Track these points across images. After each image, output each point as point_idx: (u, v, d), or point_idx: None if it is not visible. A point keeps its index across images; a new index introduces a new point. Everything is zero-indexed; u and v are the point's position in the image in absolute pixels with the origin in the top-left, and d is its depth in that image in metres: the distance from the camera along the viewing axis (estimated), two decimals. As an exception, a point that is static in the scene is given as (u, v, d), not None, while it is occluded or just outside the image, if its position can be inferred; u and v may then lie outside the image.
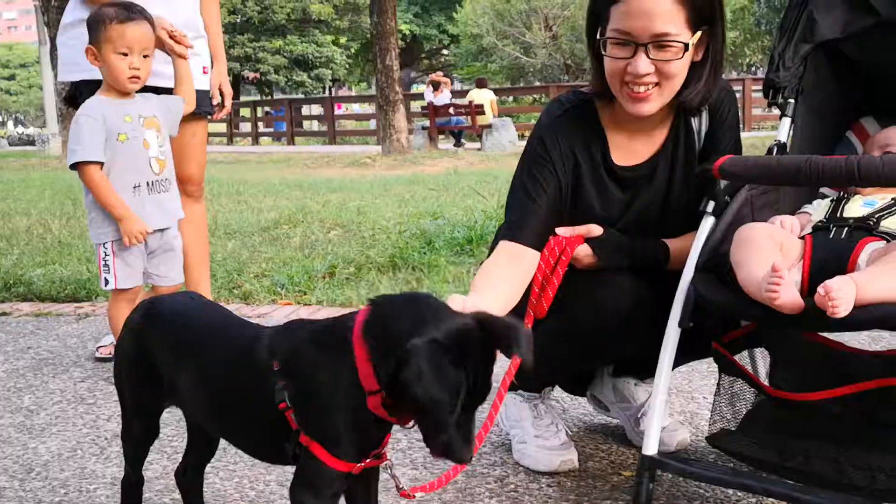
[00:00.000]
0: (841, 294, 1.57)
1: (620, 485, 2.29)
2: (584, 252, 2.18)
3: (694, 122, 2.26)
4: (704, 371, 3.15)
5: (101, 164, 2.97)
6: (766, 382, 1.91)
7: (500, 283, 2.14)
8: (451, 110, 18.88)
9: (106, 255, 3.01)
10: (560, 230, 2.18)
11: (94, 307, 4.47)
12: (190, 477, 2.02)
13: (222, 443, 2.08)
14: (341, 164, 14.57)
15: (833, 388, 1.72)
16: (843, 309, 1.57)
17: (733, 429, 2.00)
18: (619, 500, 2.19)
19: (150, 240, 3.07)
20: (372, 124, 22.48)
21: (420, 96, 21.37)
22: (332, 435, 1.55)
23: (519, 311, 2.13)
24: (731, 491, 2.23)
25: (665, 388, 1.84)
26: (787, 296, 1.63)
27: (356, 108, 31.84)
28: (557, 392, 2.66)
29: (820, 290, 1.59)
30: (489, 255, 2.30)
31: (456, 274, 4.91)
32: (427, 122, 18.98)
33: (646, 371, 2.54)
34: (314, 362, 1.55)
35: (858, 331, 1.98)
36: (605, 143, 2.26)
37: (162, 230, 3.12)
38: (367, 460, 1.61)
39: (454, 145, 19.16)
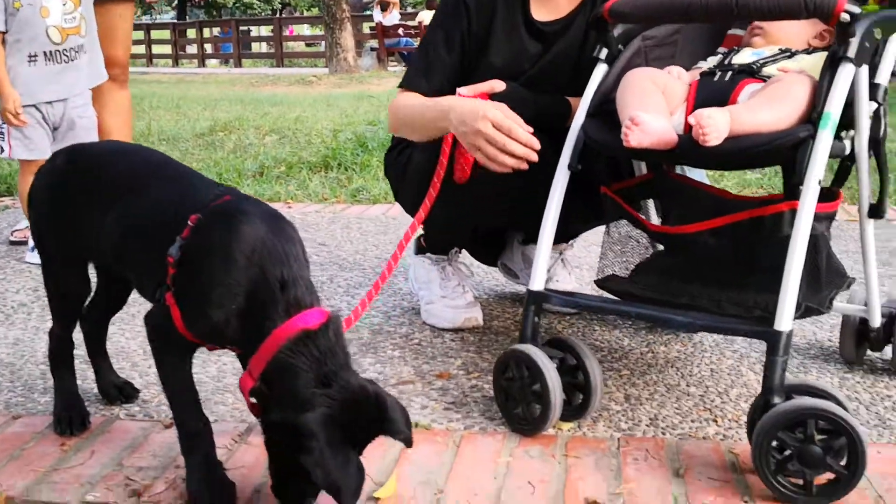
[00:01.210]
0: (711, 122, 1.61)
1: (520, 338, 2.36)
2: None
3: None
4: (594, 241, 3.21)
5: (3, 32, 2.91)
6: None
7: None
8: (401, 31, 18.59)
9: (1, 123, 2.99)
10: (462, 90, 2.17)
11: (14, 200, 4.40)
12: (93, 323, 2.00)
13: (132, 308, 2.08)
14: (287, 82, 14.33)
15: (706, 220, 1.78)
16: (713, 137, 1.61)
17: (624, 275, 2.06)
18: (516, 350, 2.26)
19: (49, 113, 3.03)
20: (322, 46, 22.09)
21: (371, 18, 21.00)
22: (193, 315, 1.51)
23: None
24: (626, 341, 2.32)
25: (552, 227, 1.88)
26: (637, 139, 1.67)
27: (306, 29, 31.20)
28: (466, 259, 2.70)
29: (691, 119, 1.63)
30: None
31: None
32: (376, 44, 18.70)
33: (554, 238, 2.59)
34: (223, 260, 1.46)
35: (736, 167, 2.03)
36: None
37: (54, 102, 3.05)
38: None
39: (405, 63, 18.91)
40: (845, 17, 1.62)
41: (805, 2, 1.62)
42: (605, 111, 1.91)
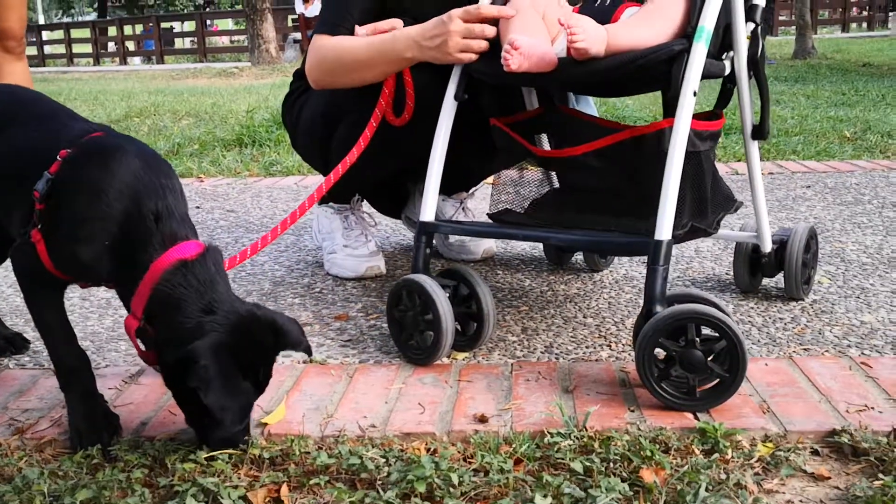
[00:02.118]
0: (581, 25, 1.62)
1: (422, 283, 2.35)
2: None
3: None
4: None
5: None
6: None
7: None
8: (325, 23, 18.44)
9: None
10: (360, 30, 2.13)
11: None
12: None
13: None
14: (208, 75, 14.11)
15: (590, 142, 1.79)
16: (582, 40, 1.62)
17: (520, 211, 2.06)
18: (418, 293, 2.25)
19: None
20: (245, 41, 21.80)
21: (293, 10, 20.77)
22: (61, 253, 1.45)
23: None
24: (527, 282, 2.33)
25: (441, 159, 1.87)
26: (517, 62, 1.67)
27: (231, 24, 30.73)
28: (368, 209, 2.68)
29: (561, 20, 1.64)
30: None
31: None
32: (299, 35, 18.51)
33: (452, 187, 2.59)
34: (93, 193, 1.41)
35: (614, 89, 2.05)
36: None
37: None
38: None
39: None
40: (716, -67, 1.64)
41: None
42: (489, 41, 1.91)
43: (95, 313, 2.18)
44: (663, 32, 1.68)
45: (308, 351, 1.46)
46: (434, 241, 2.60)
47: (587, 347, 1.87)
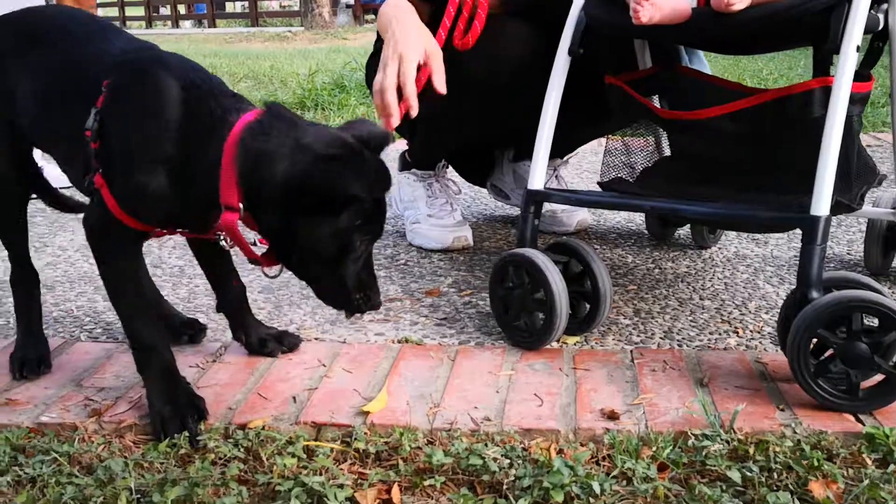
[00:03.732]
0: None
1: (516, 257, 2.18)
2: None
3: None
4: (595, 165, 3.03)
5: None
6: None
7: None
8: (378, -13, 18.21)
9: None
10: None
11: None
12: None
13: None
14: (262, 38, 13.96)
15: (728, 103, 1.59)
16: (739, 3, 1.43)
17: (631, 180, 1.88)
18: (512, 268, 2.08)
19: None
20: (297, 6, 21.67)
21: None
22: (126, 189, 1.32)
23: None
24: (630, 258, 2.14)
25: (552, 117, 1.69)
26: (648, 14, 1.49)
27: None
28: (453, 176, 2.51)
29: None
30: None
31: (366, 113, 4.69)
32: (352, 0, 18.29)
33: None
34: (160, 118, 1.28)
35: (756, 46, 1.85)
36: None
37: None
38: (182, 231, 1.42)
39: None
40: None
41: None
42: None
43: (169, 282, 2.05)
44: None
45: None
46: (500, 187, 2.45)
47: (711, 334, 1.68)
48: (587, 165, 3.16)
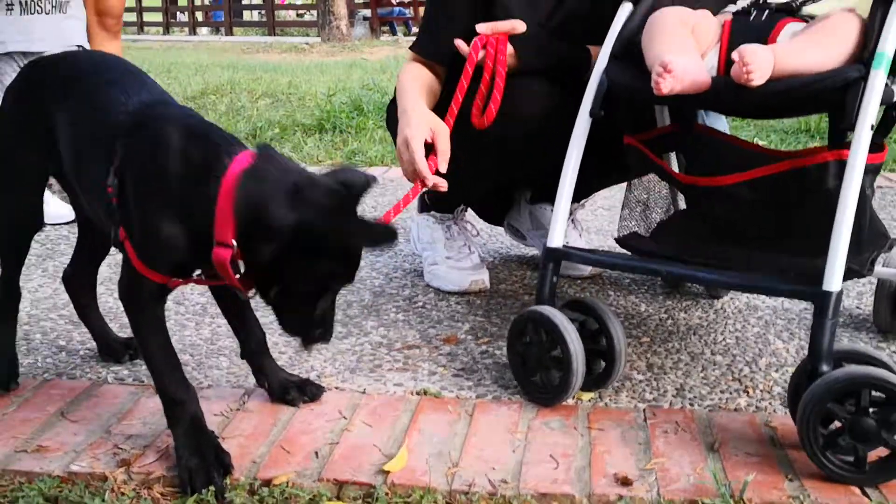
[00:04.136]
0: (756, 58, 1.47)
1: (531, 303, 2.22)
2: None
3: None
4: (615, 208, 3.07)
5: None
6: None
7: (421, 79, 2.07)
8: (394, 0, 18.31)
9: None
10: (480, 27, 1.99)
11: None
12: (79, 278, 1.86)
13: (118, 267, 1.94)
14: (279, 50, 14.06)
15: (744, 171, 1.64)
16: (758, 75, 1.47)
17: (645, 234, 1.92)
18: (528, 316, 2.12)
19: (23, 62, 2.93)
20: (313, 16, 21.78)
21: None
22: (142, 242, 1.39)
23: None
24: (643, 307, 2.18)
25: (573, 176, 1.73)
26: (669, 86, 1.53)
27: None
28: (472, 218, 2.56)
29: (734, 55, 1.49)
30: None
31: (384, 136, 4.75)
32: (368, 12, 18.40)
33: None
34: (163, 169, 1.36)
35: (773, 114, 1.89)
36: None
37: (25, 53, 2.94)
38: (198, 278, 1.49)
39: (392, 33, 18.63)
40: (902, -52, 1.47)
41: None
42: (630, 54, 1.76)
43: (192, 321, 2.10)
44: (836, 56, 1.51)
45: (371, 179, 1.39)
46: (517, 227, 2.50)
47: (722, 392, 1.72)
48: (601, 202, 3.19)
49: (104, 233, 1.64)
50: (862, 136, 1.45)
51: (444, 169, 1.82)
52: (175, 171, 1.35)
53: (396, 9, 18.39)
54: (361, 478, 1.40)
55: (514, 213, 2.53)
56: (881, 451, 1.37)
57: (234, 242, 1.32)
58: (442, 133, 1.85)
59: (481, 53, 1.94)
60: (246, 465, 1.44)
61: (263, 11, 24.37)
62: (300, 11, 26.76)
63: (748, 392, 1.72)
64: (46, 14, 2.95)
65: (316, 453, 1.48)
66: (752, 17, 1.69)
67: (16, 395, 1.71)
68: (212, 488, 1.36)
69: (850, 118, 1.46)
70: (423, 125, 1.84)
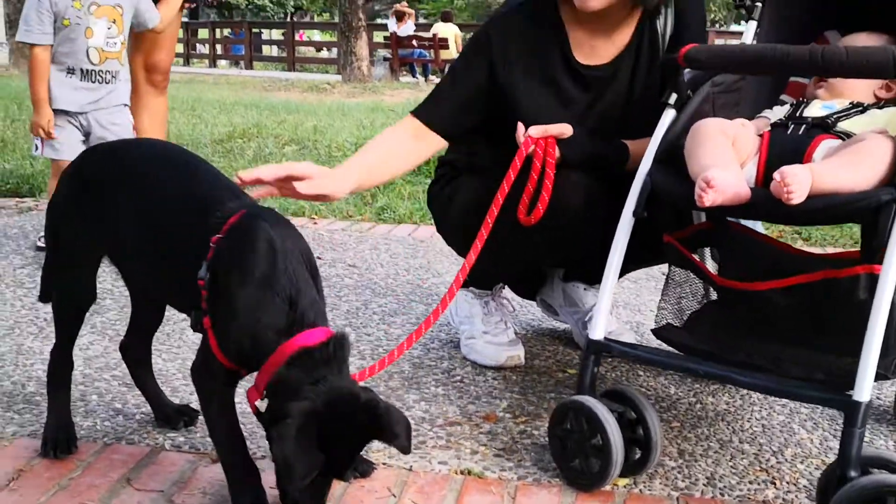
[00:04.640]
0: (797, 180, 1.57)
1: (565, 381, 2.32)
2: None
3: (659, 24, 2.24)
4: (652, 288, 3.18)
5: (50, 45, 3.08)
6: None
7: (395, 147, 2.19)
8: (415, 42, 18.61)
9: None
10: (532, 130, 2.10)
11: (37, 202, 4.35)
12: (136, 350, 1.98)
13: (166, 327, 2.05)
14: (300, 88, 14.28)
15: (778, 279, 1.74)
16: (797, 195, 1.58)
17: (679, 325, 2.02)
18: (562, 393, 2.22)
19: (79, 118, 3.13)
20: (333, 52, 22.12)
21: (383, 27, 21.00)
22: (224, 332, 1.51)
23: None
24: (672, 389, 2.28)
25: (615, 273, 1.84)
26: (711, 199, 1.64)
27: (317, 35, 31.17)
28: (508, 294, 2.66)
29: (776, 175, 1.60)
30: None
31: (412, 192, 4.87)
32: (388, 53, 18.69)
33: (595, 277, 2.54)
34: (243, 282, 1.48)
35: (809, 224, 1.99)
36: (566, 40, 2.22)
37: (82, 113, 3.13)
38: None
39: (412, 75, 18.90)
40: (932, 79, 1.58)
41: (894, 62, 1.58)
42: (673, 158, 1.87)
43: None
44: (869, 177, 1.62)
45: (405, 450, 1.48)
46: (549, 303, 2.60)
47: (750, 483, 1.81)
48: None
49: (158, 308, 1.86)
50: (894, 254, 1.55)
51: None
52: (258, 302, 1.47)
53: (417, 51, 18.67)
54: (414, 560, 1.49)
55: (546, 289, 2.63)
56: (904, 556, 1.45)
57: (263, 394, 1.48)
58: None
59: (531, 148, 2.05)
60: (304, 540, 1.53)
61: (283, 46, 24.74)
62: (320, 48, 27.15)
63: (775, 484, 1.81)
64: (99, 84, 3.15)
65: (370, 533, 1.57)
66: (789, 131, 1.81)
67: (78, 460, 1.81)
68: (275, 567, 1.46)
69: (882, 238, 1.56)
70: (324, 171, 1.97)
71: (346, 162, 2.12)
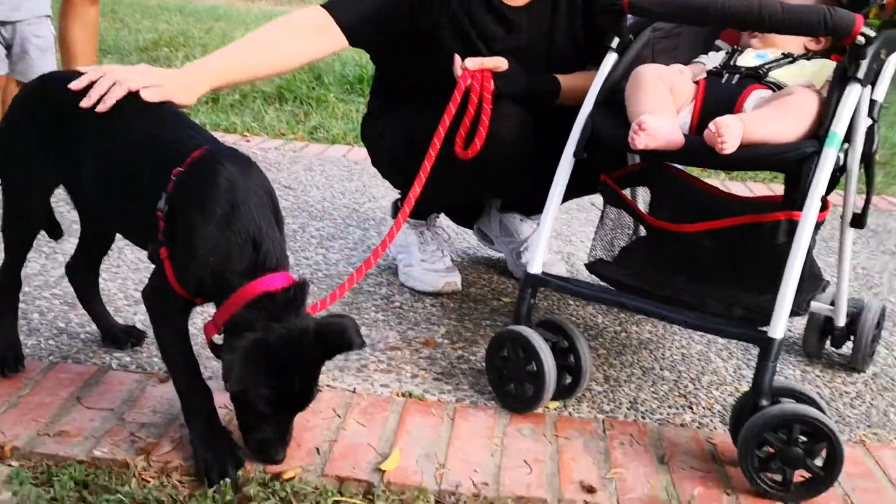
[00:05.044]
0: (729, 131, 1.67)
1: (500, 308, 2.42)
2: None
3: None
4: (583, 219, 3.30)
5: None
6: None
7: (276, 46, 2.10)
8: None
9: None
10: (469, 62, 2.14)
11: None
12: (83, 272, 2.00)
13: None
14: (225, -6, 13.83)
15: (707, 221, 1.86)
16: (730, 146, 1.68)
17: (610, 260, 2.13)
18: (497, 321, 2.33)
19: (0, 32, 2.97)
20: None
21: (312, -67, 20.30)
22: (183, 264, 1.55)
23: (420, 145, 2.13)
24: (599, 318, 2.41)
25: (554, 211, 1.93)
26: (644, 142, 1.73)
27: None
28: (443, 222, 2.74)
29: (711, 126, 1.69)
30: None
31: (345, 111, 4.87)
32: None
33: (531, 208, 2.64)
34: (204, 216, 1.51)
35: (738, 170, 2.11)
36: None
37: (3, 24, 2.98)
38: None
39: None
40: (860, 39, 1.68)
41: (825, 21, 1.68)
42: (614, 101, 1.95)
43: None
44: (796, 129, 1.73)
45: (361, 346, 1.57)
46: (486, 232, 2.69)
47: (669, 407, 1.96)
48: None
49: (109, 233, 1.91)
50: (813, 205, 1.68)
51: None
52: (220, 238, 1.50)
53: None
54: (360, 475, 1.59)
55: (484, 219, 2.71)
56: (804, 474, 1.61)
57: (221, 330, 1.53)
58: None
59: (469, 82, 2.11)
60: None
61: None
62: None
63: (692, 409, 1.96)
64: None
65: (317, 450, 1.66)
66: (723, 80, 1.90)
67: (26, 378, 1.84)
68: (227, 481, 1.53)
69: (804, 187, 1.68)
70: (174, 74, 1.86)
71: (203, 60, 1.98)
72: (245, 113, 4.75)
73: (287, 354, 1.50)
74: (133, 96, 1.72)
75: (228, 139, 4.10)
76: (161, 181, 1.56)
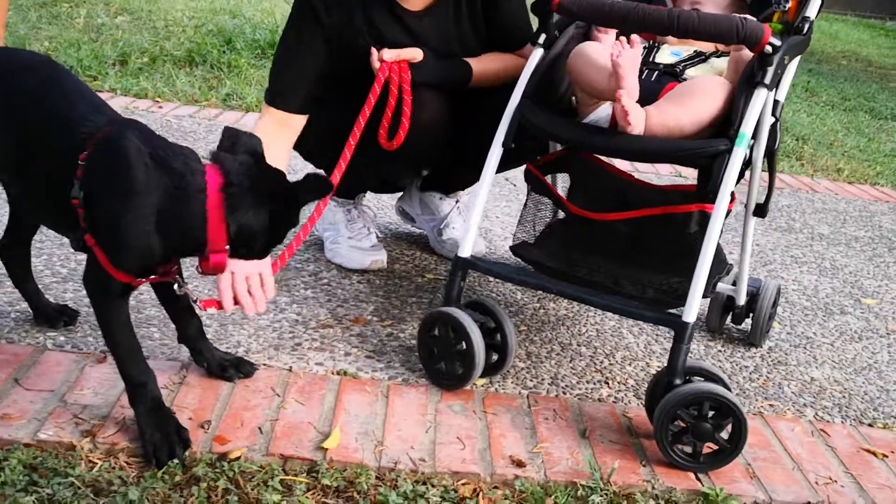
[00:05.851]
0: (635, 118, 1.81)
1: (424, 285, 2.52)
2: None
3: None
4: (497, 193, 3.41)
5: None
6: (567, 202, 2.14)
7: (276, 149, 2.14)
8: None
9: None
10: (385, 54, 2.21)
11: None
12: (15, 250, 1.99)
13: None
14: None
15: (623, 211, 1.99)
16: (635, 126, 1.81)
17: (531, 241, 2.24)
18: (422, 298, 2.42)
19: None
20: None
21: None
22: (115, 250, 1.57)
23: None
24: (519, 295, 2.53)
25: (483, 198, 2.03)
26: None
27: None
28: (368, 200, 2.80)
29: (616, 108, 1.83)
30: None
31: (258, 78, 4.83)
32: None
33: (450, 186, 2.74)
34: (137, 186, 1.52)
35: (658, 163, 2.24)
36: None
37: None
38: (153, 277, 1.68)
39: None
40: (768, 48, 1.83)
41: (737, 32, 1.81)
42: (540, 93, 2.05)
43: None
44: (701, 110, 1.87)
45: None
46: (407, 211, 2.78)
47: (587, 382, 2.10)
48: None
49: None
50: (723, 199, 1.82)
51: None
52: (147, 190, 1.53)
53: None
54: (304, 454, 1.67)
55: (405, 197, 2.79)
56: (712, 446, 1.77)
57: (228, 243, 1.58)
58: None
59: (387, 74, 2.19)
60: (201, 439, 1.67)
61: None
62: None
63: (608, 384, 2.10)
64: None
65: (260, 429, 1.73)
66: (643, 76, 2.02)
67: (-39, 357, 1.84)
68: (175, 462, 1.59)
69: (715, 182, 1.82)
70: None
71: None
72: (155, 77, 4.66)
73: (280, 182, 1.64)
74: (27, 68, 1.71)
75: (140, 105, 4.04)
76: (70, 168, 1.56)
